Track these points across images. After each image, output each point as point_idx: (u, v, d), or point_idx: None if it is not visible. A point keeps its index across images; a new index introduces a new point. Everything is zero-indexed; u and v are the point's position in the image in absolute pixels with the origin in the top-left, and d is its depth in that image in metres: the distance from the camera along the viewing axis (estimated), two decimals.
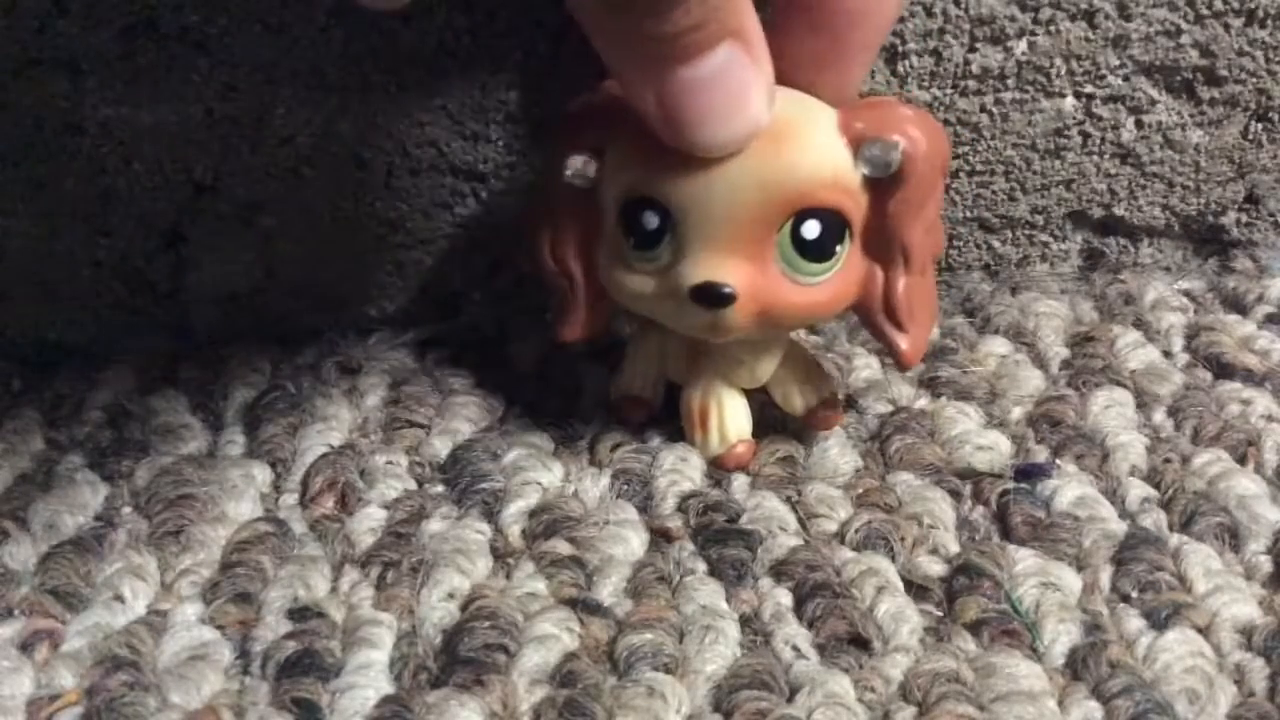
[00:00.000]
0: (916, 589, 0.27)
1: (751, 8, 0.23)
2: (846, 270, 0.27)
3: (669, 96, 0.23)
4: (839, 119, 0.26)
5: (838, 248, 0.26)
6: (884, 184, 0.26)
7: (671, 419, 0.31)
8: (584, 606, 0.26)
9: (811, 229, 0.26)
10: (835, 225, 0.26)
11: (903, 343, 0.27)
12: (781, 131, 0.25)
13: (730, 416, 0.29)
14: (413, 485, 0.30)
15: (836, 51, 0.26)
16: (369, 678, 0.25)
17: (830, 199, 0.25)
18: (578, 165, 0.27)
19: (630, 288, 0.27)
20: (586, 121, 0.27)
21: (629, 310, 0.29)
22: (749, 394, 0.30)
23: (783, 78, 0.25)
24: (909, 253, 0.27)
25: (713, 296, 0.26)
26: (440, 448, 0.31)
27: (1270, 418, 0.31)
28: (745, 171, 0.25)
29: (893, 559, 0.27)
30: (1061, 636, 0.25)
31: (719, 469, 0.30)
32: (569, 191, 0.27)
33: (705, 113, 0.24)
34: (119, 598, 0.27)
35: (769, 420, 0.31)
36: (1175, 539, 0.28)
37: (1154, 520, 0.28)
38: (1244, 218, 0.37)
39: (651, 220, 0.26)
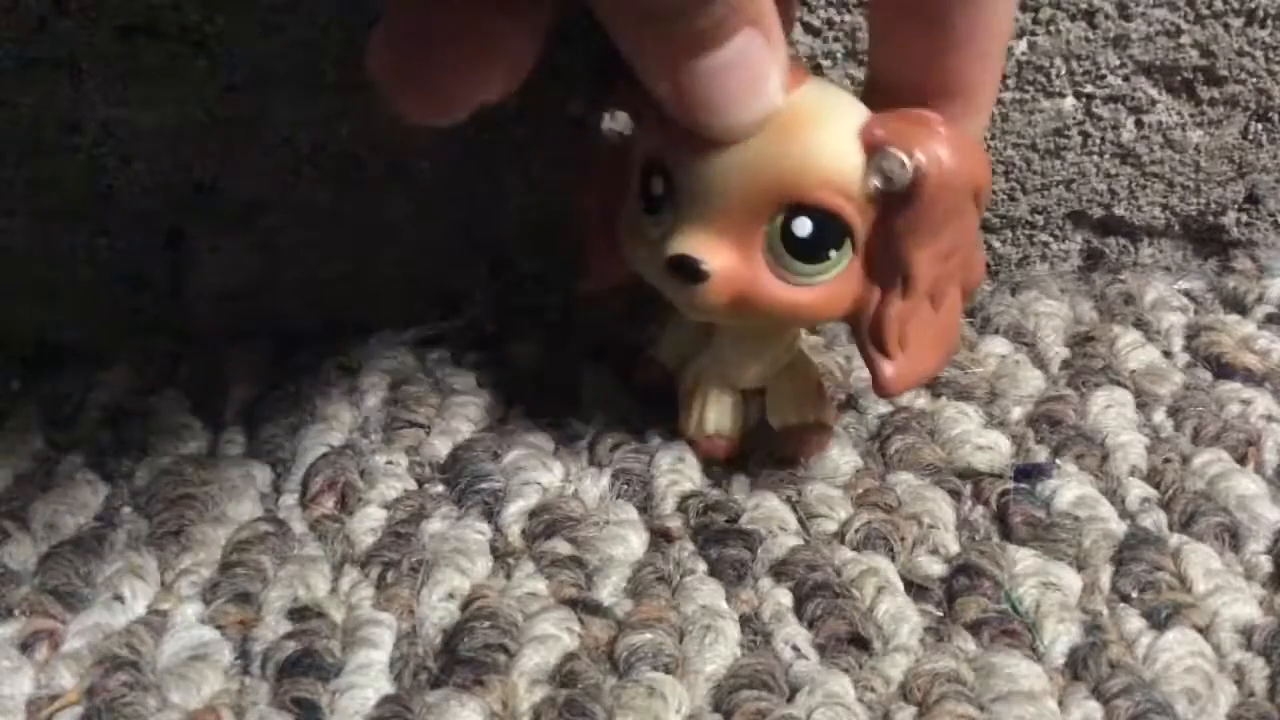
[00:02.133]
0: (916, 589, 0.27)
1: None
2: (843, 279, 0.25)
3: (686, 84, 0.23)
4: (864, 123, 0.24)
5: (833, 252, 0.25)
6: (894, 200, 0.24)
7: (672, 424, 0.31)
8: (584, 606, 0.26)
9: (802, 226, 0.25)
10: (832, 229, 0.25)
11: (886, 369, 0.26)
12: (792, 123, 0.24)
13: (713, 408, 0.29)
14: (413, 485, 0.30)
15: (942, 44, 0.24)
16: (369, 678, 0.25)
17: (827, 200, 0.24)
18: (614, 120, 0.27)
19: (634, 249, 0.27)
20: (634, 82, 0.26)
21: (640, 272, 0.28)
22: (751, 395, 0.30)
23: (888, 80, 0.25)
24: (910, 277, 0.25)
25: (685, 270, 0.25)
26: (440, 448, 0.31)
27: (1270, 418, 0.31)
28: (741, 155, 0.24)
29: (893, 559, 0.27)
30: (1061, 636, 0.25)
31: (693, 450, 0.30)
32: (607, 144, 0.28)
33: (721, 99, 0.24)
34: (119, 598, 0.27)
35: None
36: (1175, 539, 0.28)
37: (1154, 520, 0.28)
38: (1244, 218, 0.37)
39: (658, 186, 0.26)
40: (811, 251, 0.25)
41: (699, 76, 0.23)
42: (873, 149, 0.24)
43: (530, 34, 0.23)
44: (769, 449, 0.30)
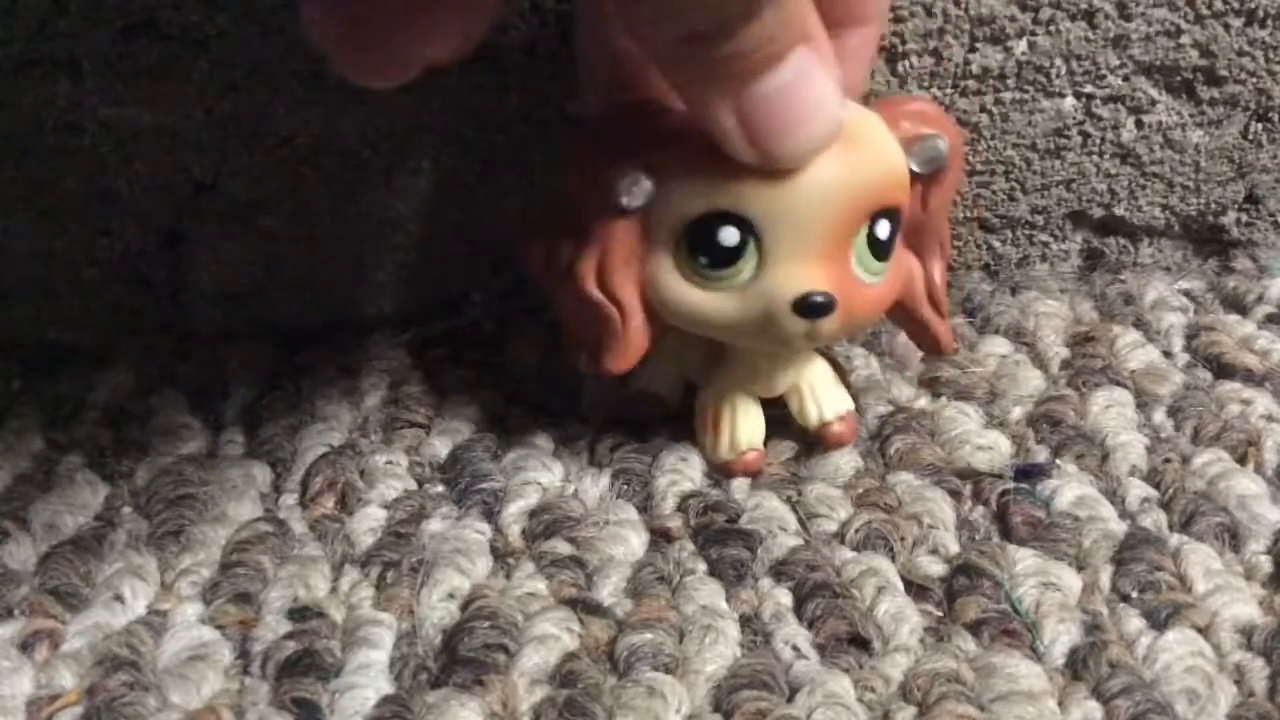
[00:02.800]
0: (916, 589, 0.27)
1: (813, 6, 0.23)
2: (895, 266, 0.27)
3: (748, 113, 0.23)
4: (886, 118, 0.26)
5: (895, 245, 0.27)
6: (928, 179, 0.27)
7: (673, 422, 0.31)
8: (584, 606, 0.26)
9: (884, 229, 0.26)
10: (898, 223, 0.26)
11: (943, 329, 0.29)
12: (852, 135, 0.25)
13: (743, 424, 0.29)
14: (413, 485, 0.30)
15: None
16: (369, 678, 0.25)
17: (899, 198, 0.26)
18: (635, 185, 0.25)
19: (703, 309, 0.26)
20: (632, 137, 0.26)
21: (689, 330, 0.28)
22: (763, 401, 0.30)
23: None
24: (945, 243, 0.28)
25: (815, 307, 0.25)
26: (440, 448, 0.31)
27: (1270, 418, 0.31)
28: (832, 177, 0.25)
29: (893, 559, 0.27)
30: (1061, 636, 0.25)
31: (724, 475, 0.30)
32: (615, 213, 0.25)
33: (786, 122, 0.23)
34: (119, 598, 0.27)
35: (772, 419, 0.30)
36: (1175, 539, 0.28)
37: (1154, 520, 0.28)
38: (1244, 218, 0.37)
39: (730, 236, 0.25)
40: (888, 249, 0.27)
41: (760, 102, 0.23)
42: (909, 139, 0.26)
43: None
44: (786, 436, 0.30)
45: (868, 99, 0.29)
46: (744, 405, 0.29)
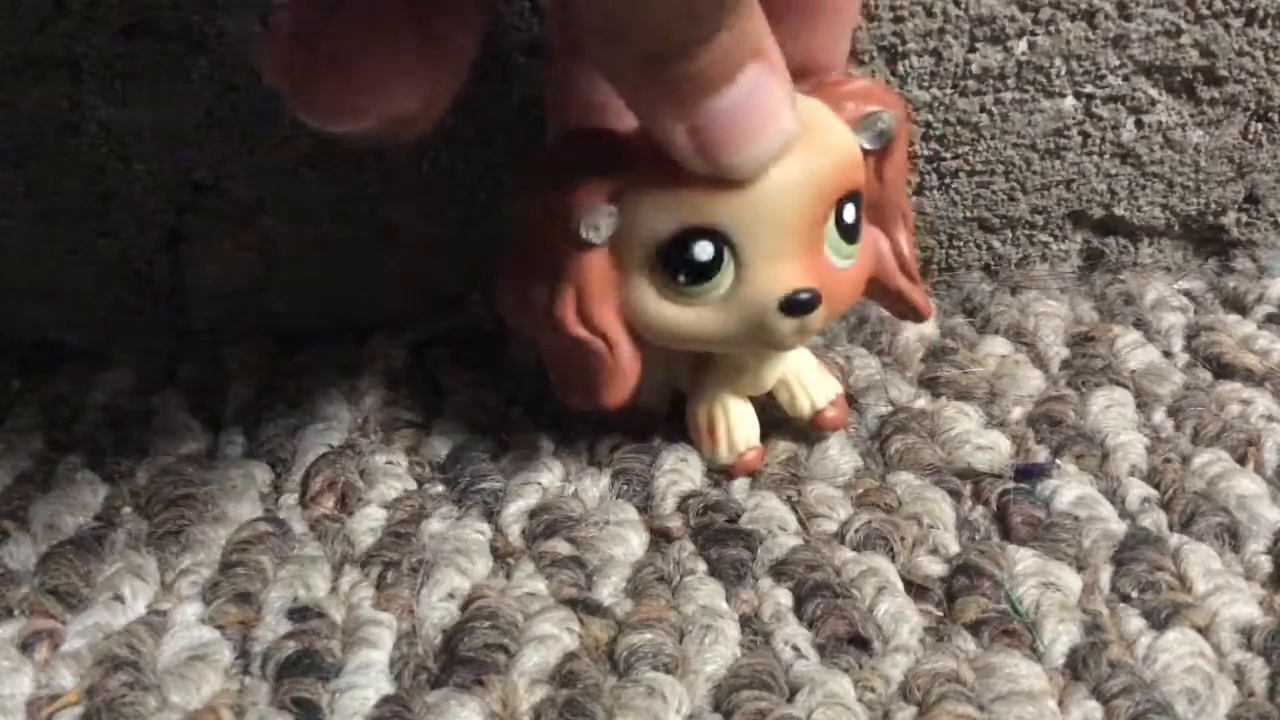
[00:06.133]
0: (916, 589, 0.27)
1: (765, 21, 0.23)
2: (864, 245, 0.27)
3: (701, 129, 0.23)
4: (829, 103, 0.26)
5: (862, 223, 0.27)
6: (880, 154, 0.27)
7: (673, 422, 0.31)
8: (584, 606, 0.26)
9: (850, 212, 0.26)
10: (860, 203, 0.27)
11: (920, 297, 0.29)
12: (804, 127, 0.24)
13: (738, 425, 0.29)
14: (413, 485, 0.30)
15: (813, 18, 0.26)
16: (369, 678, 0.25)
17: (858, 179, 0.26)
18: (600, 217, 0.25)
19: (689, 326, 0.26)
20: (592, 164, 0.25)
21: (677, 348, 0.28)
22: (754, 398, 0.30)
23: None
24: (906, 212, 0.28)
25: (803, 304, 0.25)
26: (440, 448, 0.31)
27: (1270, 418, 0.31)
28: (795, 174, 0.25)
29: (893, 559, 0.27)
30: (1061, 636, 0.25)
31: (727, 478, 0.30)
32: (584, 246, 0.25)
33: (740, 137, 0.23)
34: (119, 598, 0.27)
35: (769, 420, 0.31)
36: (1175, 539, 0.28)
37: (1154, 520, 0.28)
38: (1244, 218, 0.37)
39: (705, 250, 0.25)
40: (855, 231, 0.27)
41: (712, 117, 0.23)
42: (855, 119, 0.26)
43: (468, 35, 0.22)
44: (786, 436, 0.30)
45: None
46: (736, 406, 0.29)
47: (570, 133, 0.27)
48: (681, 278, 0.25)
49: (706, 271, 0.25)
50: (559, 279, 0.26)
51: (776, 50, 0.23)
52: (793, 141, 0.24)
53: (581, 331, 0.26)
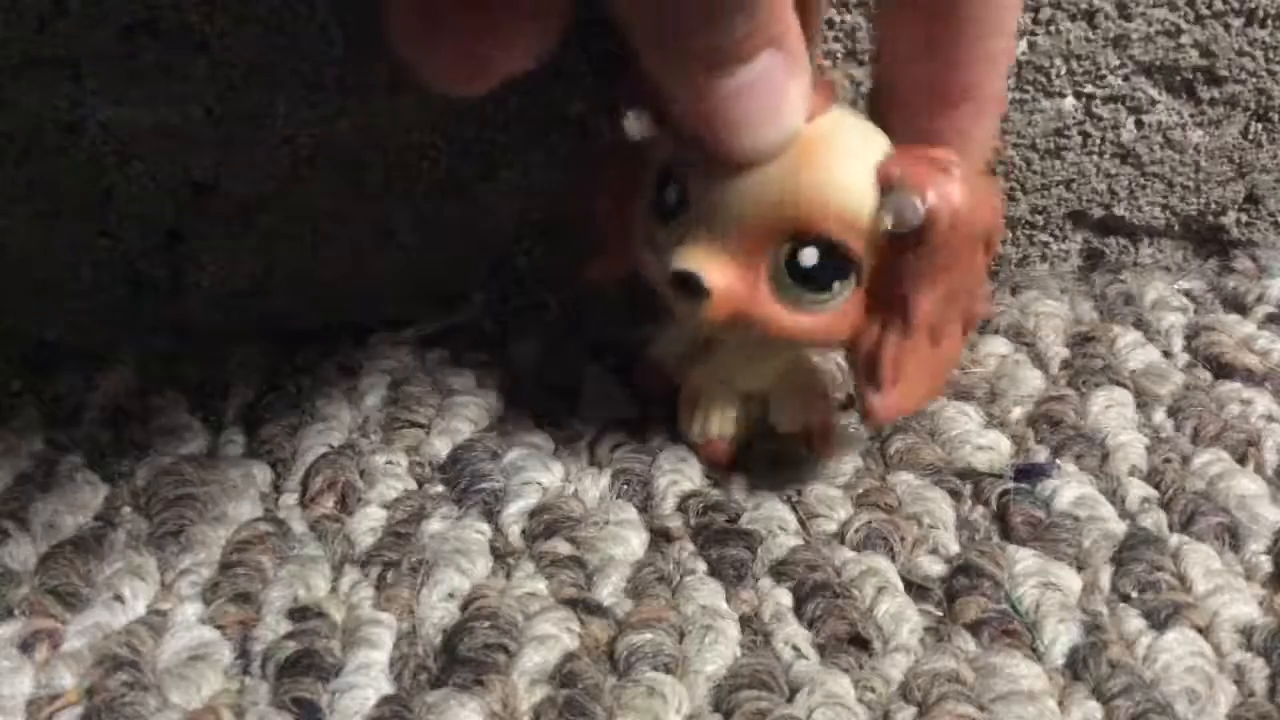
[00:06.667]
0: (916, 589, 0.27)
1: (793, 14, 0.23)
2: (844, 310, 0.25)
3: (706, 103, 0.23)
4: (881, 159, 0.24)
5: (837, 284, 0.25)
6: (903, 239, 0.24)
7: (672, 422, 0.31)
8: (584, 606, 0.26)
9: (809, 256, 0.25)
10: (838, 262, 0.25)
11: (874, 401, 0.26)
12: (809, 152, 0.24)
13: (715, 413, 0.29)
14: (413, 485, 0.30)
15: (948, 35, 0.24)
16: (369, 678, 0.25)
17: (836, 233, 0.24)
18: (631, 120, 0.26)
19: (643, 253, 0.27)
20: (639, 82, 0.26)
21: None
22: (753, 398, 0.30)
23: (890, 74, 0.25)
24: (910, 315, 0.25)
25: (689, 285, 0.25)
26: (440, 448, 0.31)
27: (1270, 418, 0.31)
28: (756, 179, 0.24)
29: (893, 559, 0.27)
30: (1061, 636, 0.25)
31: (696, 456, 0.30)
32: (623, 142, 0.26)
33: (740, 120, 0.23)
34: (119, 598, 0.27)
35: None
36: (1175, 539, 0.28)
37: (1154, 520, 0.28)
38: (1244, 218, 0.37)
39: (672, 196, 0.26)
40: (816, 281, 0.25)
41: (719, 96, 0.23)
42: (887, 187, 0.24)
43: None
44: (774, 450, 0.30)
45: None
46: (720, 396, 0.29)
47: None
48: (655, 210, 0.26)
49: (667, 216, 0.26)
50: (602, 159, 0.29)
51: (800, 43, 0.23)
52: (791, 139, 0.24)
53: (594, 200, 0.29)
